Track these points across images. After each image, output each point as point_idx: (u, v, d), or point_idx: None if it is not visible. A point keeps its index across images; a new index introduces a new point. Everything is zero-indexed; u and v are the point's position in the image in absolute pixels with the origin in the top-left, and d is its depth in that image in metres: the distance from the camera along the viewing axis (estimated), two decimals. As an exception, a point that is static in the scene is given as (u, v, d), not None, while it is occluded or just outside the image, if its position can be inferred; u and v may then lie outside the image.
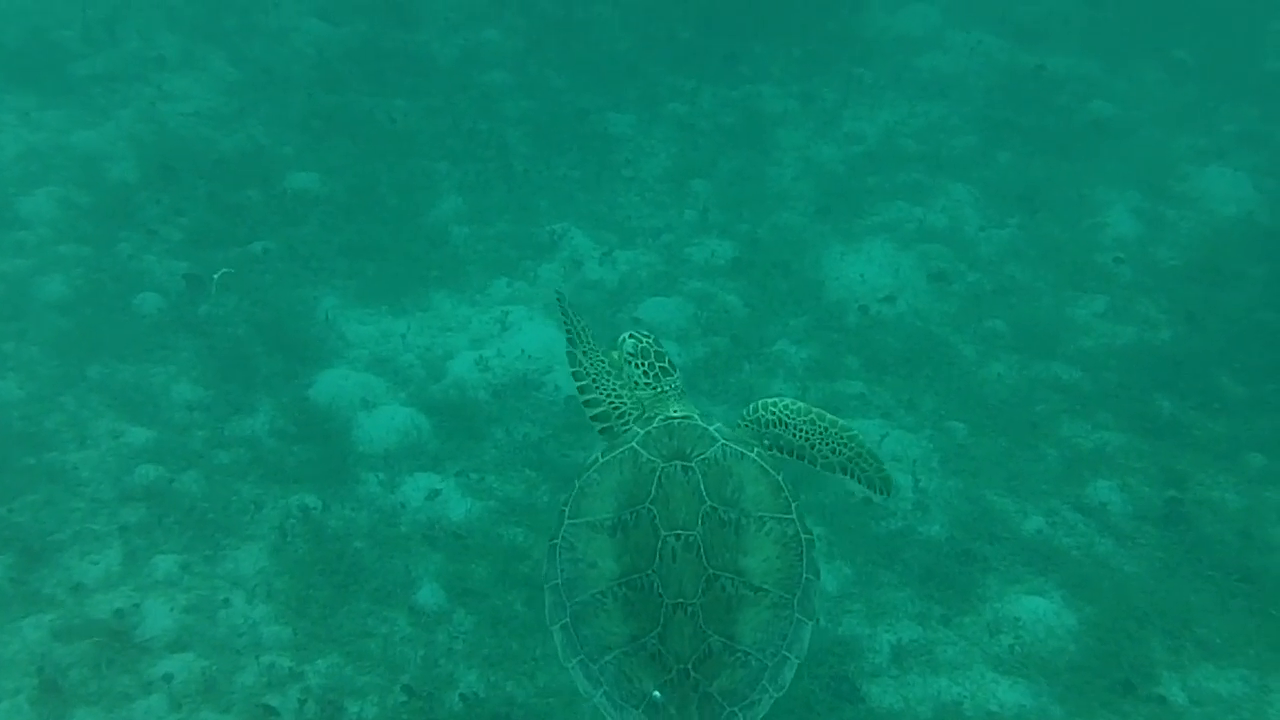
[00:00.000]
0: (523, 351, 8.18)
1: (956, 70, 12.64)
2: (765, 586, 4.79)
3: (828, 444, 5.29)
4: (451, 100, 11.47)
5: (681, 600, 4.77)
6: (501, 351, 8.21)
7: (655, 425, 5.07)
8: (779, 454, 5.27)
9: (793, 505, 4.93)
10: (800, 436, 5.28)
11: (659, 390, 5.28)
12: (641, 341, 5.35)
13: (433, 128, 11.00)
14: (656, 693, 4.75)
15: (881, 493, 5.34)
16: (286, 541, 6.47)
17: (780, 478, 4.96)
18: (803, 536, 4.89)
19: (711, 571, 4.78)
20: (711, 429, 5.06)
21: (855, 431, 5.30)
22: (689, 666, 4.74)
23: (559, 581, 4.89)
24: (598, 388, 5.27)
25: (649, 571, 4.81)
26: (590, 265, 9.35)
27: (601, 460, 4.99)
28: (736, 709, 4.75)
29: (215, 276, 8.08)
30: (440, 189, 10.15)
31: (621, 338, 5.39)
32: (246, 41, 11.89)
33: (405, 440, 7.35)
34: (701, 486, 4.87)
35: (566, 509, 4.94)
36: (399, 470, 7.09)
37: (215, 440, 7.18)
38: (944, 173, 10.78)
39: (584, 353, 5.34)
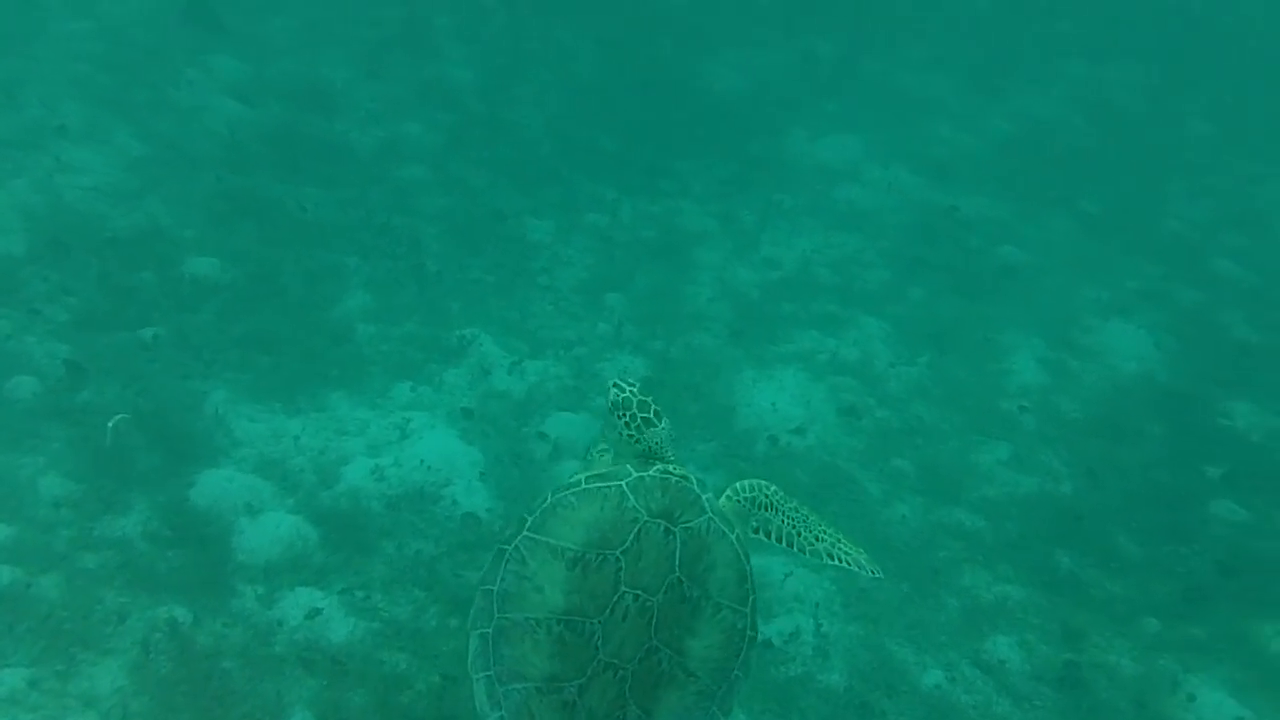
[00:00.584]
0: (422, 462, 7.93)
1: (873, 205, 12.93)
2: (698, 673, 4.66)
3: (812, 531, 5.29)
4: (366, 192, 11.31)
5: (616, 662, 4.61)
6: (399, 460, 7.94)
7: (651, 474, 4.94)
8: (764, 538, 5.22)
9: (749, 599, 4.82)
10: (789, 524, 5.27)
11: (655, 441, 5.16)
12: (624, 392, 5.22)
13: (345, 219, 10.79)
14: None
15: (873, 574, 5.32)
16: (149, 658, 6.05)
17: (748, 568, 4.86)
18: (748, 633, 4.79)
19: (655, 643, 4.63)
20: (704, 497, 4.92)
21: (829, 525, 5.36)
22: None
23: (495, 589, 4.72)
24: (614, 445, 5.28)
25: (595, 620, 4.63)
26: (498, 374, 9.17)
27: (585, 486, 4.85)
28: None
29: (110, 425, 7.65)
30: (348, 284, 9.92)
31: (608, 386, 5.31)
32: (155, 116, 11.58)
33: (289, 551, 7.00)
34: (677, 555, 4.73)
35: (530, 519, 4.79)
36: (279, 584, 6.74)
37: (82, 541, 6.74)
38: (857, 305, 10.92)
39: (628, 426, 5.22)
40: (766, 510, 5.25)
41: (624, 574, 4.67)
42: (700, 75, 15.36)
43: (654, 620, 4.63)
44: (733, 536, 4.85)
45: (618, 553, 4.70)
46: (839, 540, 5.32)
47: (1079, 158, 14.02)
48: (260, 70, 13.12)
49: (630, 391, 5.21)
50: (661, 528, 4.75)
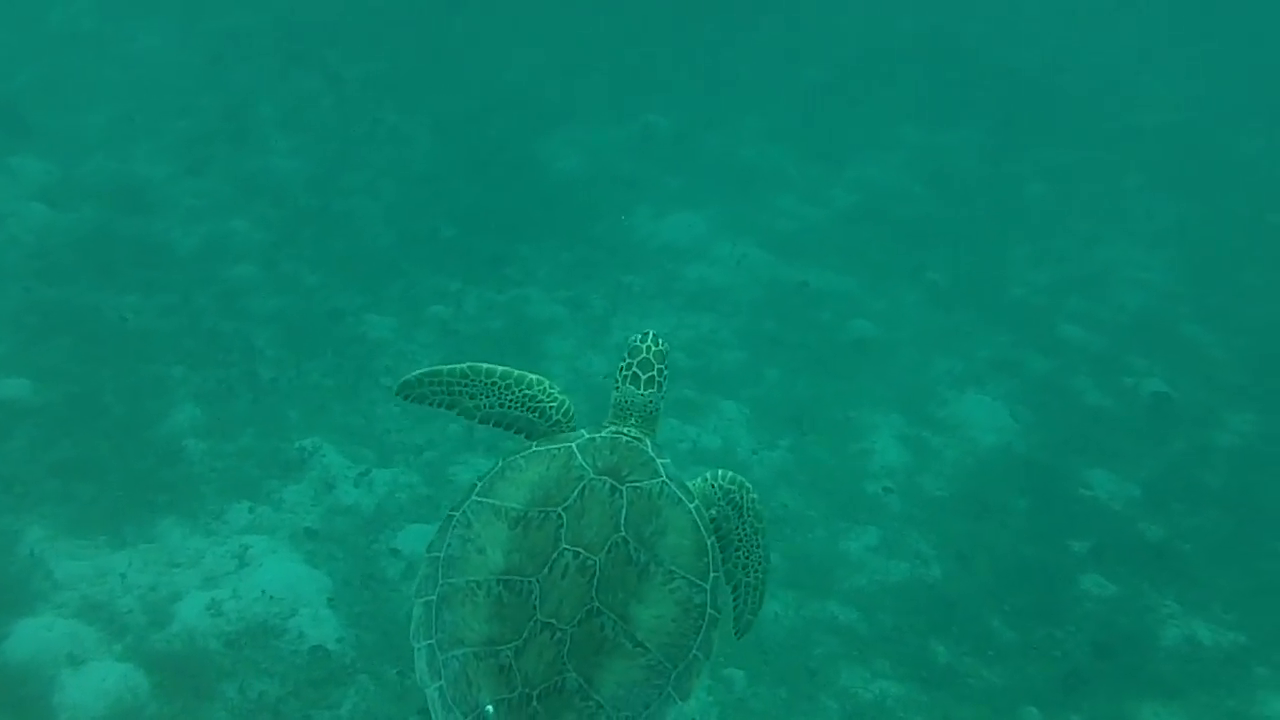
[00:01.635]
0: (263, 592, 7.58)
1: (724, 282, 13.08)
2: (647, 645, 4.45)
3: (752, 558, 5.00)
4: (190, 296, 10.92)
5: (554, 622, 4.43)
6: (238, 592, 7.57)
7: (603, 435, 4.84)
8: (714, 528, 4.88)
9: (710, 575, 4.61)
10: (741, 533, 4.96)
11: (626, 399, 4.96)
12: (644, 341, 5.03)
13: (168, 327, 10.40)
14: (489, 707, 4.40)
15: (737, 634, 5.07)
16: None
17: (710, 542, 4.65)
18: (709, 611, 4.55)
19: (597, 604, 4.44)
20: (659, 462, 4.75)
21: (767, 576, 5.06)
22: (534, 694, 4.38)
23: (441, 556, 4.59)
24: (504, 405, 5.05)
25: (533, 578, 4.49)
26: (344, 487, 8.88)
27: (534, 449, 4.73)
28: None
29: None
30: (175, 397, 9.51)
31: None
32: (-47, 228, 11.07)
33: (118, 705, 6.60)
34: (623, 514, 4.58)
35: (479, 484, 4.66)
36: (107, 746, 6.32)
37: (-124, 718, 6.21)
38: (715, 389, 10.97)
39: (470, 396, 5.07)
40: (733, 509, 4.98)
41: (565, 530, 4.53)
42: (539, 155, 15.42)
43: (596, 580, 4.46)
44: (690, 506, 4.66)
45: (559, 509, 4.58)
46: (757, 589, 5.06)
47: (922, 225, 14.49)
48: (69, 170, 12.66)
49: (649, 344, 5.04)
50: (607, 485, 4.63)
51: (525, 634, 4.44)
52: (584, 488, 4.64)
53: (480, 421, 5.09)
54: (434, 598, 4.58)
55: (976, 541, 9.25)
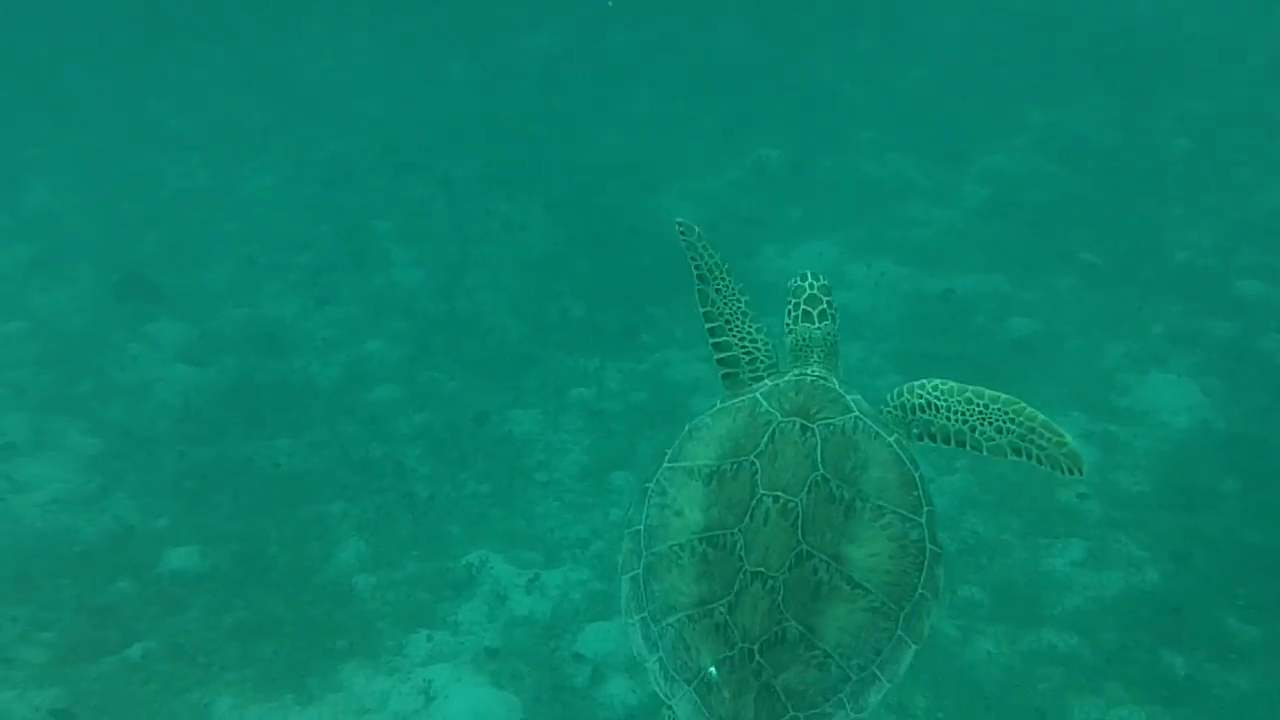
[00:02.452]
0: (455, 723, 7.45)
1: (865, 305, 12.65)
2: (866, 585, 4.17)
3: (991, 423, 4.62)
4: (338, 429, 11.02)
5: (763, 570, 4.21)
6: (431, 728, 7.47)
7: (787, 379, 4.66)
8: (930, 441, 4.66)
9: (924, 508, 4.31)
10: (957, 419, 4.63)
11: (802, 338, 4.80)
12: (805, 280, 4.95)
13: (321, 464, 10.48)
14: (713, 669, 4.20)
15: (1070, 471, 4.54)
16: None
17: (918, 474, 4.39)
18: (929, 546, 4.26)
19: (806, 548, 4.20)
20: (849, 398, 4.53)
21: (1023, 404, 4.60)
22: (755, 648, 4.14)
23: (641, 528, 4.46)
24: (731, 329, 4.93)
25: (735, 530, 4.30)
26: (516, 596, 8.73)
27: (719, 406, 4.62)
28: (801, 714, 4.10)
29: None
30: (337, 534, 9.54)
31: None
32: (105, 405, 11.39)
33: None
34: (819, 452, 4.35)
35: (669, 452, 4.54)
36: None
37: None
38: (877, 422, 10.52)
39: (717, 290, 4.97)
40: (926, 411, 4.67)
41: (761, 476, 4.33)
42: (655, 214, 15.25)
43: (800, 522, 4.23)
44: (890, 439, 4.39)
45: (752, 456, 4.38)
46: (1033, 428, 4.58)
47: (1064, 207, 13.81)
48: (205, 325, 13.01)
49: (809, 281, 4.95)
50: (797, 425, 4.41)
51: (736, 587, 4.23)
52: (773, 431, 4.43)
53: (706, 320, 5.00)
54: (639, 571, 4.43)
55: (1191, 535, 8.57)
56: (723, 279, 5.00)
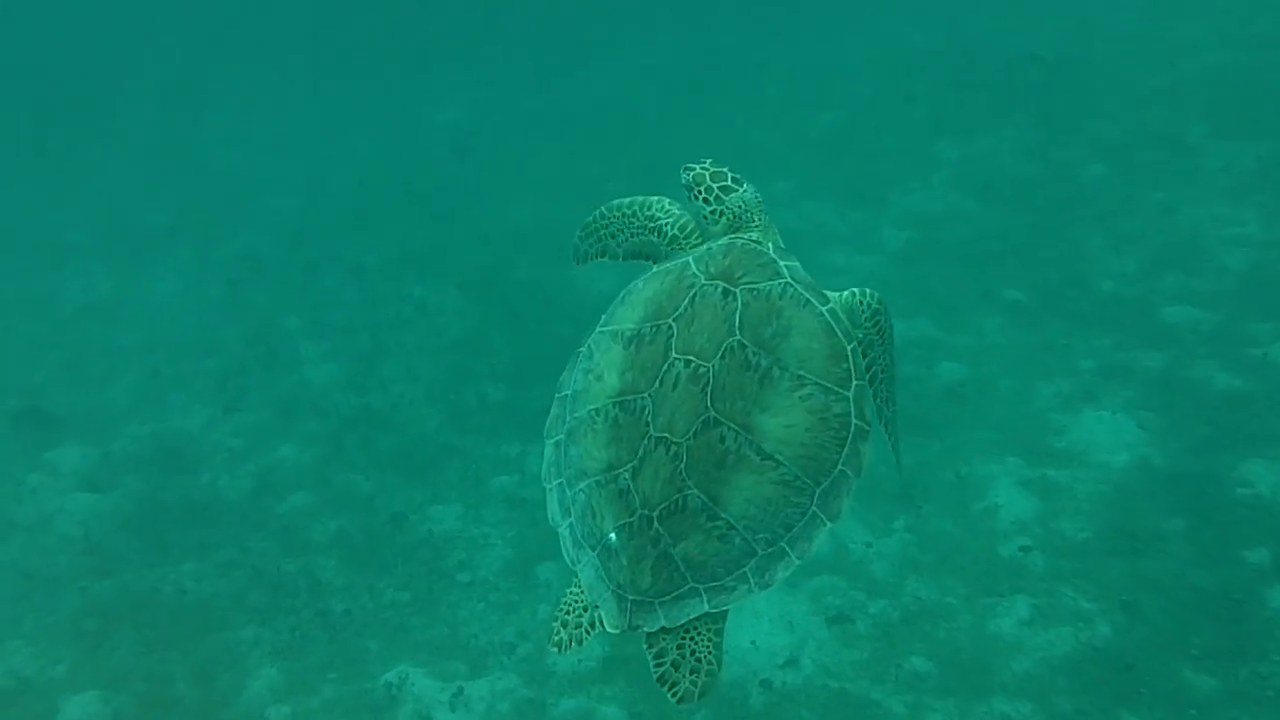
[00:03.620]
0: None
1: (791, 363, 12.30)
2: (778, 457, 4.02)
3: (886, 387, 4.52)
4: (247, 546, 10.47)
5: (667, 436, 4.10)
6: None
7: (720, 242, 4.52)
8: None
9: (853, 382, 4.15)
10: (883, 362, 4.50)
11: (734, 209, 4.61)
12: (694, 170, 4.71)
13: (230, 586, 9.93)
14: (613, 534, 4.15)
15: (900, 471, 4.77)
16: None
17: (850, 346, 4.21)
18: (854, 421, 4.12)
19: (713, 414, 4.07)
20: (782, 264, 4.37)
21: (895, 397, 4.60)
22: (654, 515, 4.07)
23: (568, 393, 4.46)
24: (668, 210, 4.83)
25: (645, 394, 4.20)
26: (440, 715, 8.23)
27: (653, 269, 4.56)
28: (700, 585, 4.02)
29: None
30: (249, 663, 9.01)
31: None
32: (1, 544, 10.81)
33: None
34: (738, 317, 4.19)
35: (603, 317, 4.51)
36: None
37: None
38: (810, 486, 10.15)
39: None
40: (878, 333, 4.50)
41: (676, 340, 4.21)
42: (573, 284, 14.87)
43: (709, 388, 4.08)
44: (822, 307, 4.24)
45: (670, 320, 4.27)
46: (894, 422, 4.62)
47: (986, 243, 13.59)
48: (108, 447, 12.42)
49: (700, 167, 4.72)
50: (719, 288, 4.27)
51: (640, 453, 4.13)
52: (695, 294, 4.29)
53: (625, 258, 4.95)
54: (562, 436, 4.40)
55: (1139, 582, 8.25)
56: (606, 223, 4.98)
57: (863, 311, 4.50)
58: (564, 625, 4.27)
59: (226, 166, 20.73)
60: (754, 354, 4.10)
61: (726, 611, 4.12)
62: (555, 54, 24.41)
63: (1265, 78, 15.29)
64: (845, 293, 4.55)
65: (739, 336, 4.14)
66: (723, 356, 4.12)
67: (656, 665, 4.15)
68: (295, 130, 22.40)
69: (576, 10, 26.29)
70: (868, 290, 4.55)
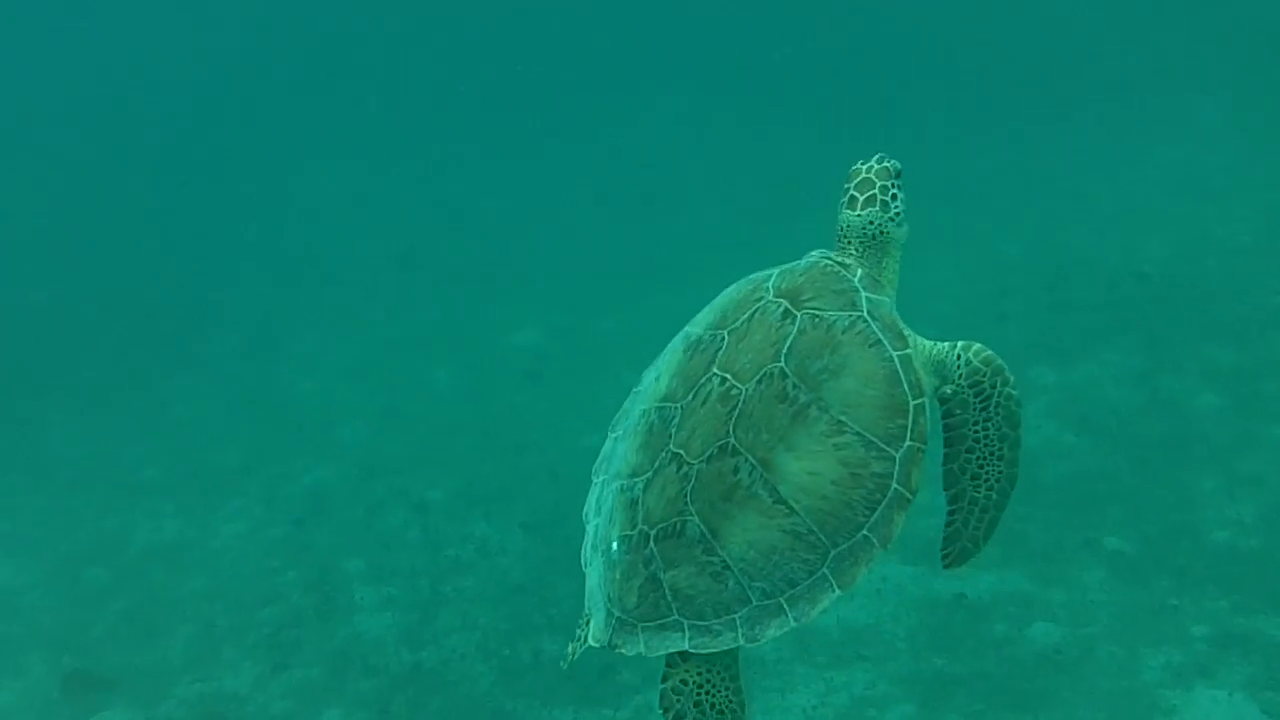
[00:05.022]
0: None
1: (869, 618, 11.56)
2: (793, 505, 3.78)
3: (989, 468, 4.13)
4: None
5: (682, 453, 3.96)
6: None
7: (805, 259, 4.32)
8: (937, 403, 4.18)
9: (905, 443, 3.83)
10: (981, 431, 4.12)
11: (842, 227, 4.35)
12: (868, 161, 4.40)
13: None
14: (615, 544, 4.09)
15: (945, 562, 4.35)
16: None
17: (914, 404, 3.89)
18: (894, 486, 3.80)
19: (733, 442, 3.86)
20: (864, 295, 4.07)
21: (1011, 495, 4.17)
22: (651, 533, 3.95)
23: (640, 388, 4.43)
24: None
25: (679, 405, 4.07)
26: None
27: (747, 276, 4.40)
28: (685, 620, 3.85)
29: None
30: None
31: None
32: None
33: None
34: (789, 342, 3.95)
35: (697, 315, 4.42)
36: None
37: None
38: (888, 770, 9.35)
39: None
40: (975, 395, 4.11)
41: (722, 354, 4.05)
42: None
43: (736, 412, 3.87)
44: (893, 353, 3.94)
45: (726, 331, 4.12)
46: (989, 510, 4.18)
47: (1086, 483, 12.80)
48: (153, 711, 12.18)
49: (870, 164, 4.40)
50: (781, 308, 4.04)
51: (656, 464, 4.02)
52: (757, 309, 4.09)
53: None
54: (619, 432, 4.34)
55: None
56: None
57: (958, 368, 4.13)
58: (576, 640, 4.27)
59: (301, 397, 21.05)
60: (794, 386, 3.88)
61: (738, 658, 3.96)
62: (629, 276, 24.60)
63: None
64: (943, 344, 4.23)
65: (782, 364, 3.92)
66: (759, 382, 3.91)
67: (664, 712, 4.02)
68: (373, 355, 22.79)
69: (652, 231, 26.70)
70: (974, 345, 4.21)
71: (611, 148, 34.92)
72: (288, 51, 51.48)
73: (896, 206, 4.37)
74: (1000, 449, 4.18)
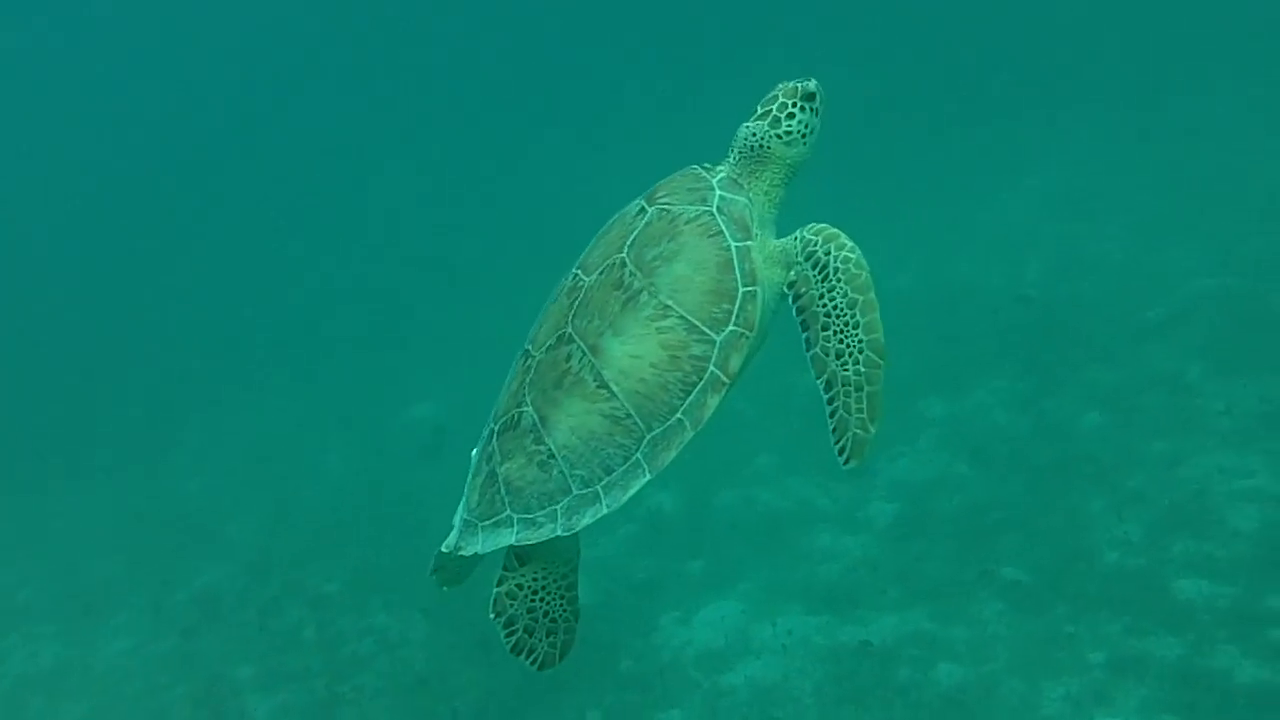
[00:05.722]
0: None
1: (776, 675, 11.46)
2: (613, 388, 3.81)
3: (841, 340, 3.97)
4: None
5: (530, 348, 4.09)
6: None
7: (683, 169, 4.32)
8: (790, 302, 4.07)
9: (728, 327, 3.79)
10: (829, 303, 3.94)
11: (736, 135, 4.28)
12: (791, 83, 4.33)
13: None
14: (474, 450, 4.18)
15: (842, 455, 4.12)
16: None
17: (743, 290, 3.85)
18: (711, 369, 3.81)
19: (569, 331, 3.94)
20: (718, 193, 4.03)
21: (881, 364, 4.03)
22: (496, 428, 4.05)
23: None
24: None
25: (545, 308, 4.20)
26: None
27: None
28: (515, 515, 3.89)
29: None
30: None
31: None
32: None
33: None
34: (634, 234, 4.01)
35: None
36: None
37: None
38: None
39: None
40: (814, 268, 3.98)
41: (583, 255, 4.14)
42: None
43: (577, 302, 3.95)
44: (732, 242, 3.92)
45: (595, 238, 4.22)
46: (864, 387, 3.97)
47: (980, 513, 12.85)
48: None
49: (788, 84, 4.34)
50: (638, 207, 4.13)
51: (515, 365, 4.11)
52: (622, 213, 4.16)
53: None
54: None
55: None
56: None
57: (797, 249, 4.04)
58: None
59: (187, 497, 20.45)
60: (631, 274, 3.89)
61: (575, 565, 3.99)
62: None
63: (1260, 306, 14.76)
64: (789, 237, 4.16)
65: (624, 254, 3.94)
66: (602, 273, 3.93)
67: (507, 635, 4.07)
68: (263, 444, 22.26)
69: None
70: (812, 225, 4.13)
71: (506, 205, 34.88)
72: (173, 146, 50.91)
73: (789, 125, 4.33)
74: (853, 316, 4.07)
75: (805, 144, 4.40)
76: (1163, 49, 29.32)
